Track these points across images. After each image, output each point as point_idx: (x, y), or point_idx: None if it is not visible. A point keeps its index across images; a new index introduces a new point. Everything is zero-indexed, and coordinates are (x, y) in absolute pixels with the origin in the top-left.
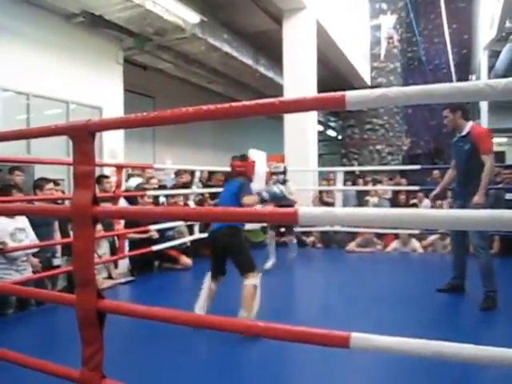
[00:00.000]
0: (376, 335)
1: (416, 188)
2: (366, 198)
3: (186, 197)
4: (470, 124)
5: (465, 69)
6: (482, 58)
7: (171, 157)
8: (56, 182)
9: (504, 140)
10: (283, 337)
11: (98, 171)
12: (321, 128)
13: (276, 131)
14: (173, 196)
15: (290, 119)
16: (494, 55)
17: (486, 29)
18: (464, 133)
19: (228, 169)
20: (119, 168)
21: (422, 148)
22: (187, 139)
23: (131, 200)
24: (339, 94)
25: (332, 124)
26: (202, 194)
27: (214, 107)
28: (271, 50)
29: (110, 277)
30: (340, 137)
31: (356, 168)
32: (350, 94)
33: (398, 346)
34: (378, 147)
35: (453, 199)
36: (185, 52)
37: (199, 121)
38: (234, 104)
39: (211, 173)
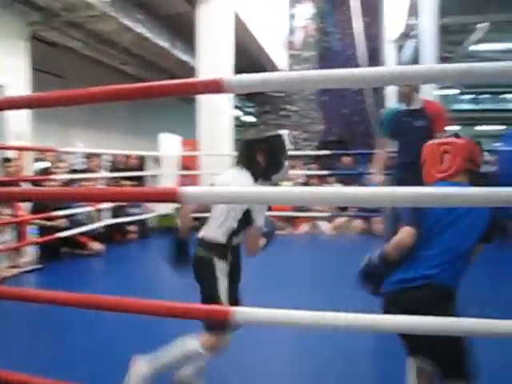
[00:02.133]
0: (257, 308)
1: (326, 173)
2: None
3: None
4: (420, 97)
5: (375, 61)
6: (389, 52)
7: (84, 140)
8: None
9: None
10: (169, 313)
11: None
12: (238, 113)
13: (191, 116)
14: (82, 180)
15: (204, 103)
16: (399, 49)
17: (392, 24)
18: (417, 106)
19: (142, 152)
20: (21, 151)
21: (335, 135)
22: (101, 123)
23: (37, 185)
24: (218, 78)
25: (249, 110)
26: (115, 178)
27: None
28: (188, 33)
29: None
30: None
31: None
32: (227, 79)
33: (280, 319)
34: (293, 133)
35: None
36: (97, 31)
37: (102, 101)
38: (104, 88)
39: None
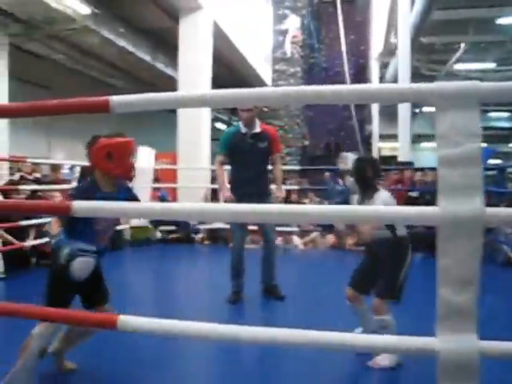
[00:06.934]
0: (144, 318)
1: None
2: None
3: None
4: (258, 122)
5: (362, 77)
6: (373, 69)
7: (66, 151)
8: None
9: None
10: (62, 320)
11: None
12: (223, 127)
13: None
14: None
15: (183, 116)
16: (385, 66)
17: (376, 42)
18: (258, 130)
19: None
20: None
21: (321, 150)
22: (87, 133)
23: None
24: (104, 98)
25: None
26: None
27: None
28: (170, 46)
29: None
30: None
31: None
32: (114, 99)
33: (163, 328)
34: None
35: (237, 198)
36: (79, 43)
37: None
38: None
39: None
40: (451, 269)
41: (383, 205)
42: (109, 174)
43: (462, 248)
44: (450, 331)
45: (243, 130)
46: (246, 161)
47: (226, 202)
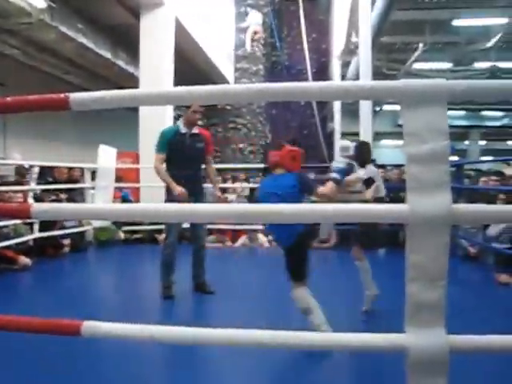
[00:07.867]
0: (108, 323)
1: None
2: (225, 195)
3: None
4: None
5: (324, 75)
6: (335, 67)
7: (23, 151)
8: None
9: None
10: (21, 328)
11: None
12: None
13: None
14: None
15: (144, 115)
16: (346, 65)
17: (337, 40)
18: (196, 131)
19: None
20: None
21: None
22: (45, 133)
23: None
24: (63, 95)
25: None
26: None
27: None
28: (131, 43)
29: None
30: None
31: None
32: (73, 96)
33: (127, 333)
34: (241, 146)
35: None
36: (34, 39)
37: None
38: None
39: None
40: (421, 265)
41: (372, 173)
42: (291, 169)
43: (431, 244)
44: (419, 327)
45: (183, 130)
46: (185, 160)
47: (179, 196)
